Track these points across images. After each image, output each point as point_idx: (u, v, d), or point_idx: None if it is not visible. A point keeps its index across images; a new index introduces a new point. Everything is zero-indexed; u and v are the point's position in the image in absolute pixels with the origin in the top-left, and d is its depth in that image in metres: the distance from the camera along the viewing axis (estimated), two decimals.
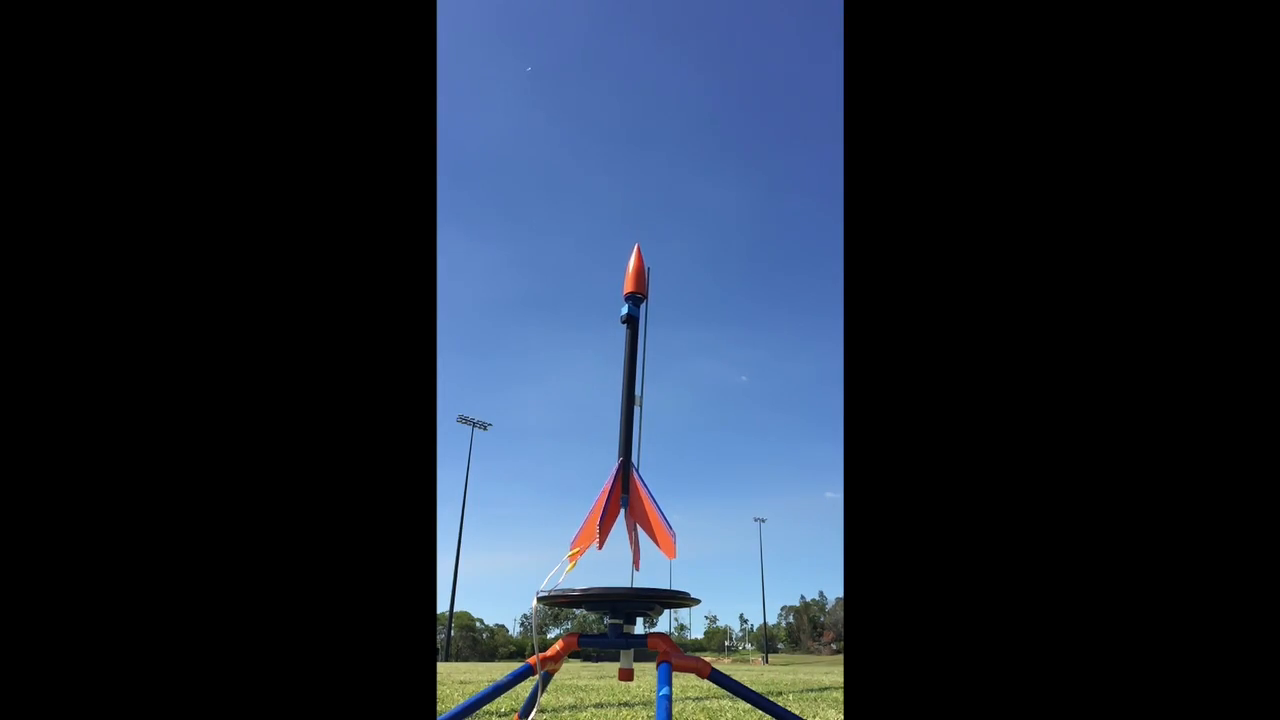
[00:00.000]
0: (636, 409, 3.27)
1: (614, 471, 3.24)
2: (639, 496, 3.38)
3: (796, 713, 3.47)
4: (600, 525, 3.19)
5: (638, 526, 3.13)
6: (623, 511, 3.21)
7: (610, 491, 3.34)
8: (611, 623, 2.34)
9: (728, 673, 2.39)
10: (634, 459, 3.22)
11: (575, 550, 2.90)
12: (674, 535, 3.26)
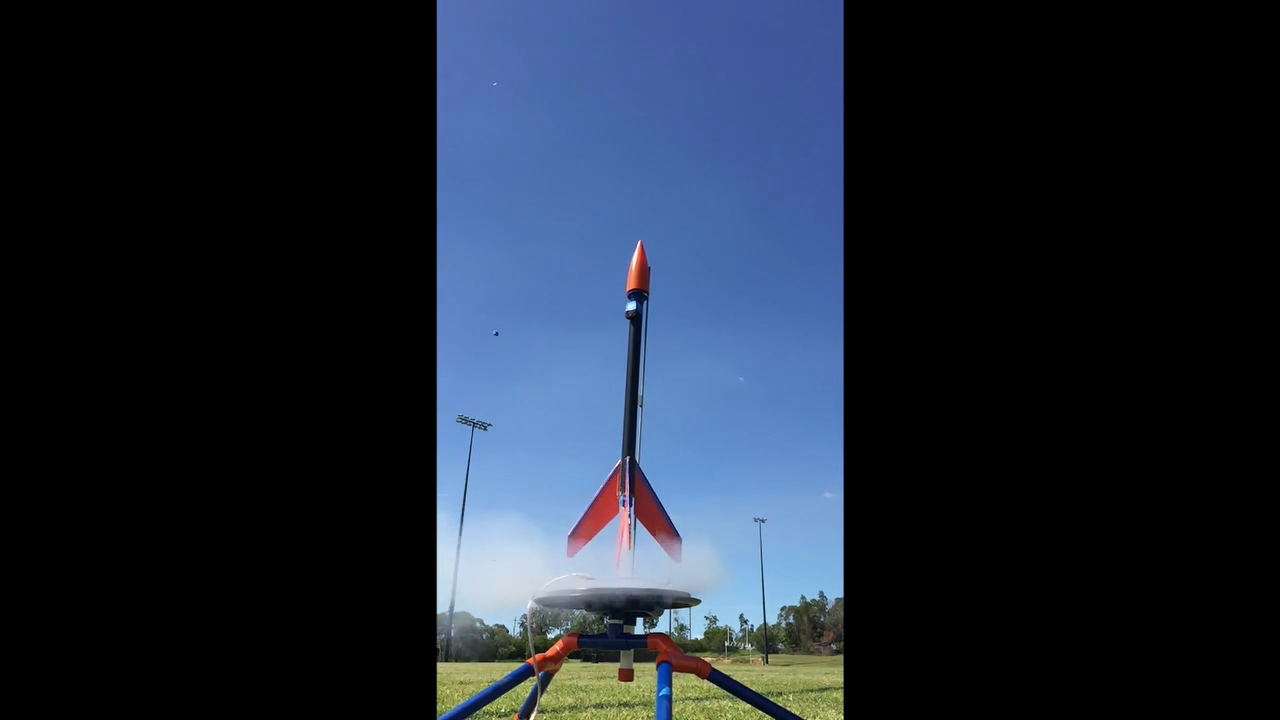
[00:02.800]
0: (639, 408, 3.23)
1: (615, 469, 3.15)
2: (645, 497, 3.30)
3: (796, 713, 3.47)
4: (591, 518, 3.14)
5: (636, 525, 3.05)
6: (625, 510, 3.14)
7: (617, 490, 3.25)
8: (611, 623, 2.34)
9: (728, 673, 2.39)
10: (638, 457, 3.15)
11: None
12: (680, 540, 3.19)
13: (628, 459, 3.22)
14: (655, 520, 3.22)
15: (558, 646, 2.37)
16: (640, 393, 3.24)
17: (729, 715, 4.21)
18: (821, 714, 4.54)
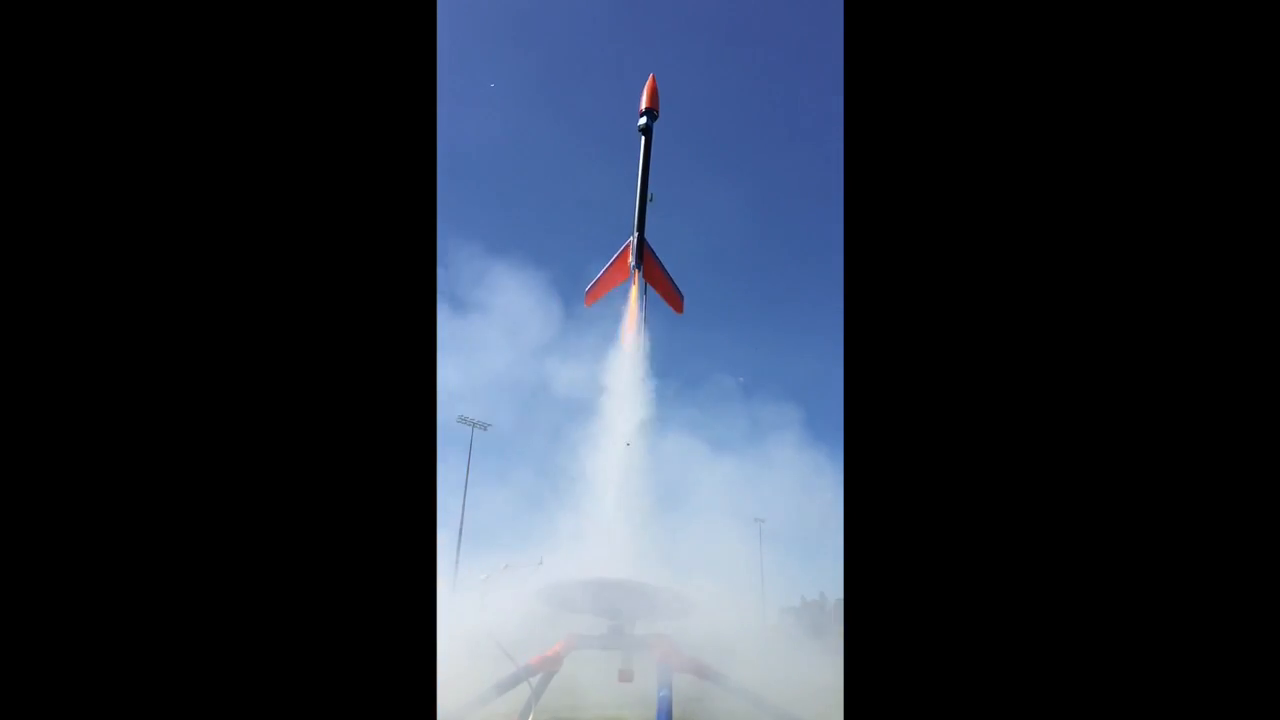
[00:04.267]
0: (649, 201, 4.72)
1: (626, 244, 4.73)
2: (652, 264, 4.89)
3: (796, 713, 3.47)
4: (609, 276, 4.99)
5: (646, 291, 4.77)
6: (636, 274, 4.79)
7: (628, 259, 4.82)
8: (612, 624, 2.34)
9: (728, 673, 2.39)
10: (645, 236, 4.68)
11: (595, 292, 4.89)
12: (682, 296, 4.82)
13: (637, 235, 4.81)
14: (661, 282, 4.88)
15: (557, 647, 2.37)
16: (649, 189, 4.90)
17: (729, 715, 4.20)
18: (821, 713, 4.53)
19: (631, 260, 4.81)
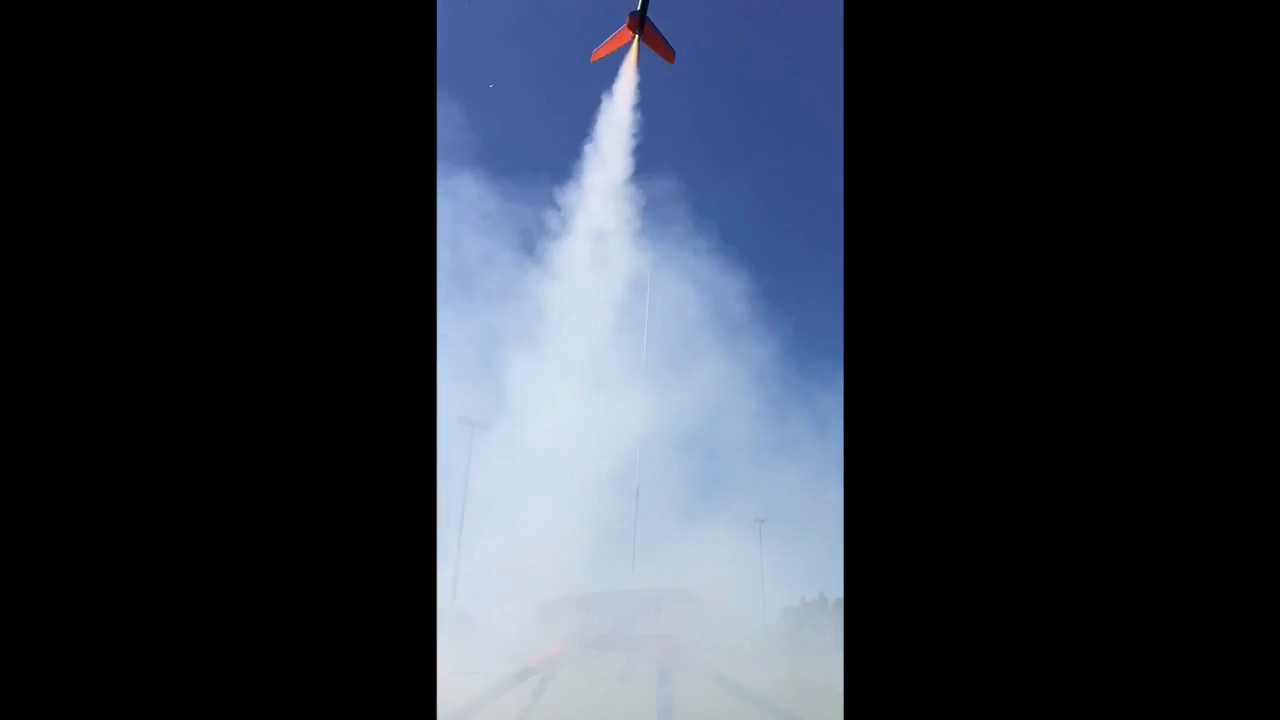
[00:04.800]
0: None
1: (629, 16, 7.19)
2: (652, 32, 7.77)
3: (796, 711, 3.48)
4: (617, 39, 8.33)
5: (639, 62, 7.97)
6: (637, 38, 7.82)
7: (630, 28, 7.61)
8: (612, 624, 2.34)
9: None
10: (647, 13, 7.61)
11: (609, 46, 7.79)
12: (673, 50, 7.04)
13: (641, 7, 7.34)
14: (657, 44, 6.93)
15: (556, 647, 2.37)
16: None
17: (729, 715, 4.21)
18: (821, 712, 4.54)
19: (632, 30, 7.11)
